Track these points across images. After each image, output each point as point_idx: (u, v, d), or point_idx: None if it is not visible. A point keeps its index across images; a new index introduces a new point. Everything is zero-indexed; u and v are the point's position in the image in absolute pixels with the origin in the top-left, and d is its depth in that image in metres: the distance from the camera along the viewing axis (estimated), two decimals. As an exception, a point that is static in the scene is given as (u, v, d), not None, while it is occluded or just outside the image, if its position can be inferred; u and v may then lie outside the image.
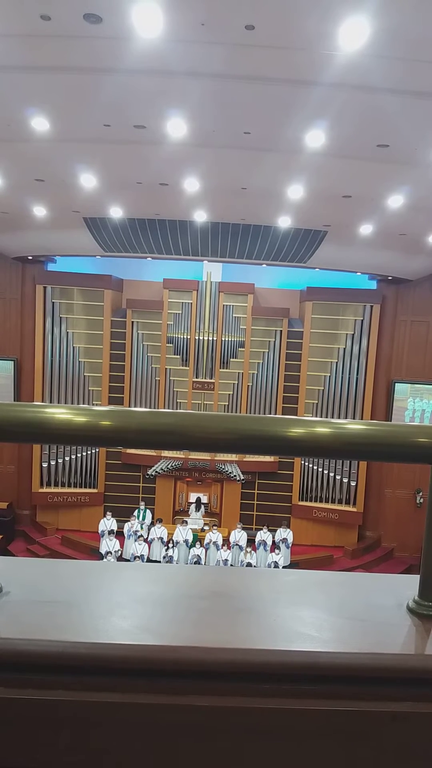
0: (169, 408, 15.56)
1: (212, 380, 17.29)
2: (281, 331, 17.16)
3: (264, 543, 15.61)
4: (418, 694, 0.85)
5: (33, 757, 0.82)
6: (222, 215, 12.92)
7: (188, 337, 17.13)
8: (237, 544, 15.24)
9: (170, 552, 15.02)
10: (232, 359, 17.25)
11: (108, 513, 16.22)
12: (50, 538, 16.87)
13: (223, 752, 0.83)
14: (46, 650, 0.84)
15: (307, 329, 16.98)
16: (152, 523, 16.01)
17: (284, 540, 15.83)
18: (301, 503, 17.32)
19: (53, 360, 17.12)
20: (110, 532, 15.48)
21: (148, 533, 15.56)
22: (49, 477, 17.31)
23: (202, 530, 15.82)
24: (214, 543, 15.14)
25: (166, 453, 15.74)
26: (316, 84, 6.12)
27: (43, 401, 16.91)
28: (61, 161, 9.37)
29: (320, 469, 17.11)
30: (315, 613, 0.97)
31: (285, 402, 17.22)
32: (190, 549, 15.08)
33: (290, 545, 15.92)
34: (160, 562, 14.06)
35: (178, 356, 17.32)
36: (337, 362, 17.00)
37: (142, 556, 14.84)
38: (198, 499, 16.83)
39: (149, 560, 14.73)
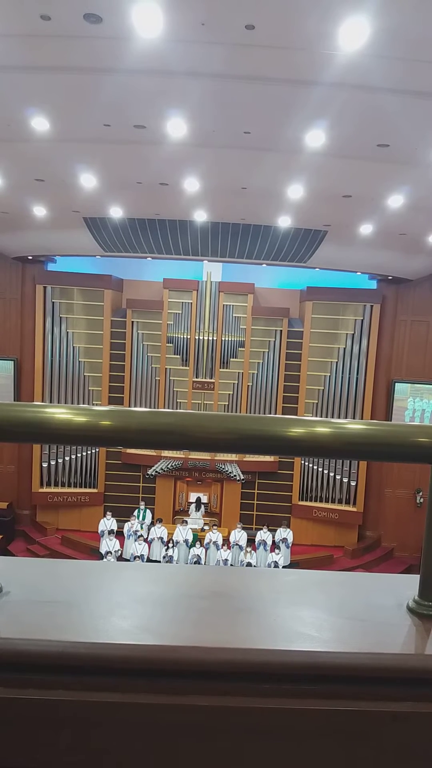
0: (169, 408, 15.55)
1: (212, 380, 17.29)
2: (281, 331, 17.16)
3: (264, 543, 15.61)
4: (418, 694, 0.85)
5: (33, 757, 0.82)
6: (222, 215, 12.92)
7: (188, 337, 17.13)
8: (237, 544, 15.25)
9: (170, 552, 15.02)
10: (232, 359, 17.26)
11: (108, 513, 16.22)
12: (50, 538, 16.87)
13: (223, 752, 0.83)
14: (46, 650, 0.84)
15: (307, 329, 16.98)
16: (152, 523, 16.01)
17: (284, 540, 15.84)
18: (301, 503, 17.32)
19: (53, 360, 17.12)
20: (110, 532, 15.48)
21: (148, 533, 15.56)
22: (49, 477, 17.31)
23: (202, 530, 15.82)
24: (214, 543, 15.14)
25: (166, 453, 15.74)
26: (316, 84, 6.12)
27: (43, 401, 16.91)
28: (61, 161, 9.37)
29: (320, 469, 17.11)
30: (315, 613, 0.97)
31: (285, 402, 17.22)
32: (190, 549, 15.08)
33: (290, 545, 15.92)
34: (160, 562, 14.06)
35: (178, 356, 17.32)
36: (337, 362, 17.00)
37: (142, 556, 14.84)
38: (198, 499, 16.83)
39: (149, 560, 14.73)
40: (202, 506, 16.77)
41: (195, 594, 1.02)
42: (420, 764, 0.85)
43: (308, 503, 17.28)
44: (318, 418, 1.02)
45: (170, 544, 15.17)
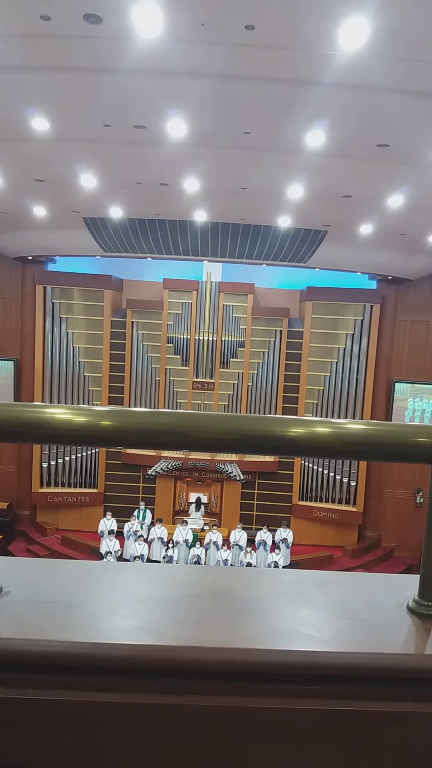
0: (169, 408, 15.55)
1: (212, 380, 17.29)
2: (281, 331, 17.16)
3: (264, 543, 15.61)
4: (418, 694, 0.85)
5: (33, 757, 0.82)
6: (222, 215, 12.92)
7: (188, 337, 17.13)
8: (237, 544, 15.24)
9: (170, 552, 15.02)
10: (232, 359, 17.26)
11: (108, 513, 16.22)
12: (50, 538, 16.87)
13: (223, 752, 0.83)
14: (46, 650, 0.84)
15: (307, 329, 16.98)
16: (152, 523, 16.01)
17: (284, 540, 15.83)
18: (301, 503, 17.32)
19: (53, 360, 17.12)
20: (110, 532, 15.48)
21: (148, 533, 15.56)
22: (49, 477, 17.31)
23: (202, 530, 15.82)
24: (214, 543, 15.14)
25: (166, 453, 15.74)
26: (316, 84, 6.12)
27: (43, 401, 16.91)
28: (61, 161, 9.37)
29: (320, 469, 17.11)
30: (315, 612, 0.97)
31: (285, 402, 17.22)
32: (190, 549, 15.08)
33: (290, 545, 15.92)
34: (160, 562, 14.06)
35: (178, 356, 17.32)
36: (337, 362, 17.00)
37: (142, 556, 14.84)
38: (198, 499, 16.83)
39: (149, 560, 14.73)
40: (202, 506, 16.77)
41: (195, 594, 1.02)
42: (420, 764, 0.85)
43: (308, 503, 17.27)
44: (318, 418, 1.02)
45: (170, 545, 15.17)
